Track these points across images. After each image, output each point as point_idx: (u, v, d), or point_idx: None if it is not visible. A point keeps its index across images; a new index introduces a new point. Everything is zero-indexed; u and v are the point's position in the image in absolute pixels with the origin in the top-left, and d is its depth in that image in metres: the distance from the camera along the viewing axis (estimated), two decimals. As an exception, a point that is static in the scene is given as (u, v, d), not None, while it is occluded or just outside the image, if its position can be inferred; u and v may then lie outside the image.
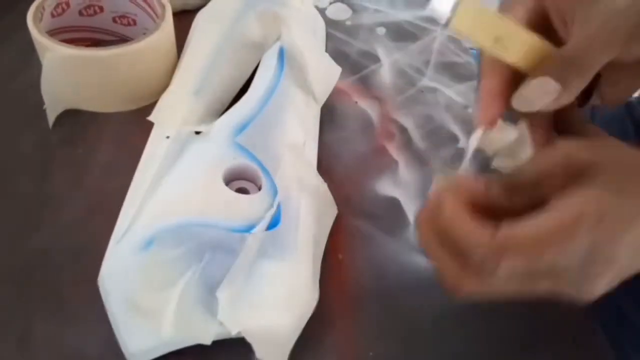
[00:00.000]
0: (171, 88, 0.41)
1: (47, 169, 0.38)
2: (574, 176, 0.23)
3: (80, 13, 0.44)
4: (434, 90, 0.48)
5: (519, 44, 0.27)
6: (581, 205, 0.22)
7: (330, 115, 0.44)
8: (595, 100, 0.31)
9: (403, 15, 0.55)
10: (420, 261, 0.35)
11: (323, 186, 0.37)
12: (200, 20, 0.46)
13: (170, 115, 0.39)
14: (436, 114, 0.46)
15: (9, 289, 0.31)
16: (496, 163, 0.30)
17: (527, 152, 0.30)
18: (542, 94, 0.27)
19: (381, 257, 0.35)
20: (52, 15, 0.42)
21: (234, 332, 0.28)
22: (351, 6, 0.56)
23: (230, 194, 0.33)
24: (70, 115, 0.41)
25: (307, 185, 0.36)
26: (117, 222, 0.34)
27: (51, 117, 0.39)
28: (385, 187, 0.40)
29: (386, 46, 0.52)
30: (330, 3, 0.56)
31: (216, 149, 0.36)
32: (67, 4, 0.43)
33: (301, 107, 0.41)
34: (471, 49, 0.55)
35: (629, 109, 0.50)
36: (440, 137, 0.44)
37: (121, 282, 0.30)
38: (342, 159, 0.41)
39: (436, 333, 0.32)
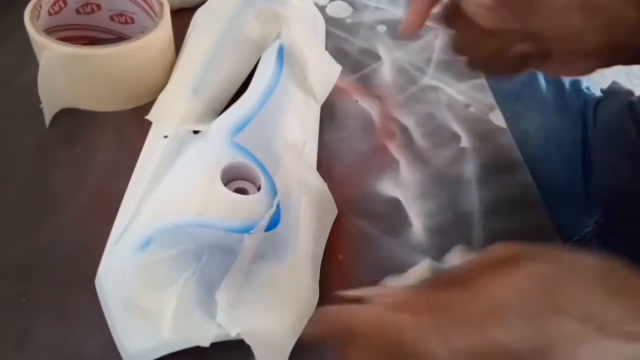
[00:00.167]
0: (169, 87, 0.41)
1: (45, 168, 0.37)
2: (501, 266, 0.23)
3: (78, 11, 0.44)
4: (435, 88, 0.47)
5: None
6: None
7: (330, 114, 0.44)
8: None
9: (404, 12, 0.55)
10: (421, 262, 0.35)
11: (323, 186, 0.37)
12: (198, 19, 0.46)
13: (168, 114, 0.39)
14: (437, 113, 0.45)
15: (8, 289, 0.31)
16: None
17: None
18: None
19: (381, 257, 0.35)
20: (50, 14, 0.42)
21: (233, 334, 0.28)
22: (351, 4, 0.55)
23: (229, 194, 0.33)
24: (67, 115, 0.40)
25: (307, 185, 0.36)
26: (115, 222, 0.34)
27: (48, 117, 0.39)
28: (386, 187, 0.39)
29: (387, 44, 0.51)
30: (331, 1, 0.55)
31: (214, 148, 0.35)
32: (65, 2, 0.42)
33: (301, 106, 0.41)
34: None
35: (630, 108, 0.50)
36: (441, 136, 0.43)
37: (119, 282, 0.30)
38: (342, 158, 0.41)
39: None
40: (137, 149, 0.37)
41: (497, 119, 0.45)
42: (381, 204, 0.38)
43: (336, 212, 0.37)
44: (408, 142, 0.43)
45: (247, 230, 0.31)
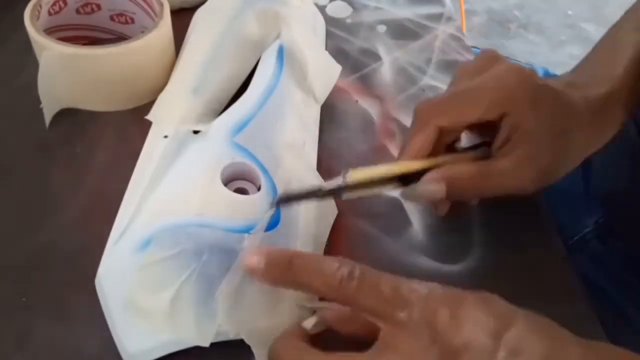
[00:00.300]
0: (169, 87, 0.41)
1: (45, 168, 0.37)
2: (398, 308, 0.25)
3: (78, 11, 0.44)
4: (435, 88, 0.47)
5: None
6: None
7: (330, 114, 0.44)
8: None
9: (404, 12, 0.55)
10: (421, 262, 0.35)
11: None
12: (198, 19, 0.46)
13: (168, 114, 0.39)
14: (437, 113, 0.45)
15: (8, 289, 0.31)
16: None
17: None
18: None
19: (382, 257, 0.35)
20: (50, 14, 0.42)
21: (232, 334, 0.28)
22: (351, 4, 0.55)
23: (228, 194, 0.33)
24: (67, 115, 0.40)
25: (307, 185, 0.36)
26: (115, 222, 0.34)
27: (48, 117, 0.39)
28: (386, 187, 0.39)
29: (387, 44, 0.51)
30: (331, 1, 0.55)
31: (215, 148, 0.35)
32: (65, 2, 0.43)
33: (301, 106, 0.41)
34: (473, 47, 0.54)
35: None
36: (441, 136, 0.43)
37: (119, 282, 0.30)
38: (342, 158, 0.41)
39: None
40: (137, 149, 0.37)
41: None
42: (381, 204, 0.38)
43: (336, 212, 0.37)
44: (408, 142, 0.43)
45: (247, 230, 0.31)
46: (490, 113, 0.32)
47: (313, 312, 0.29)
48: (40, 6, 0.40)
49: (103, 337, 0.29)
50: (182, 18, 0.46)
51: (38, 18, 0.39)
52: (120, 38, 0.46)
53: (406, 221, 0.37)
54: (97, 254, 0.32)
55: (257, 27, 0.43)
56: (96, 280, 0.31)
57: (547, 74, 0.62)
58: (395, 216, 0.38)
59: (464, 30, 0.75)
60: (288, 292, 0.30)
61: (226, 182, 0.34)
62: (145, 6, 0.43)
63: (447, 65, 0.50)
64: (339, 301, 0.26)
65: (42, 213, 0.35)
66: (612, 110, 0.35)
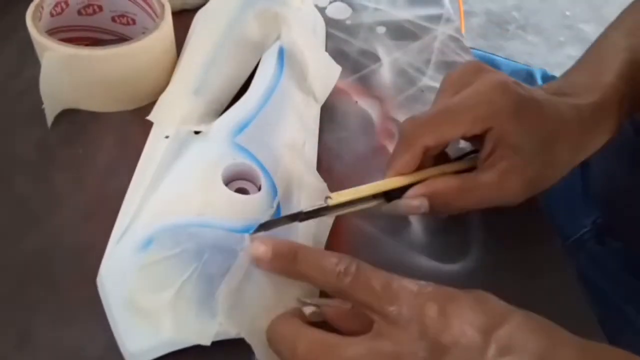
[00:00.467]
0: (170, 87, 0.41)
1: (47, 169, 0.37)
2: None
3: (79, 12, 0.44)
4: (434, 89, 0.47)
5: None
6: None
7: (330, 115, 0.44)
8: None
9: (403, 14, 0.55)
10: (421, 261, 0.35)
11: (323, 186, 0.37)
12: (199, 20, 0.46)
13: (169, 115, 0.39)
14: (436, 114, 0.45)
15: (8, 288, 0.31)
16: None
17: None
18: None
19: (381, 257, 0.35)
20: (51, 15, 0.42)
21: (233, 333, 0.28)
22: (351, 5, 0.55)
23: (229, 194, 0.33)
24: (69, 115, 0.40)
25: (307, 185, 0.36)
26: (116, 222, 0.34)
27: (50, 117, 0.39)
28: (386, 187, 0.39)
29: (386, 45, 0.51)
30: (330, 2, 0.55)
31: (215, 148, 0.36)
32: (66, 3, 0.43)
33: (301, 106, 0.41)
34: (472, 48, 0.55)
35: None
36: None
37: (120, 282, 0.30)
38: (342, 159, 0.41)
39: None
40: (139, 149, 0.38)
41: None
42: (381, 204, 0.38)
43: (336, 212, 0.37)
44: (407, 142, 0.43)
45: (247, 230, 0.31)
46: (475, 129, 0.32)
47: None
48: (42, 7, 0.40)
49: (103, 337, 0.29)
50: (183, 19, 0.46)
51: (40, 19, 0.39)
52: (122, 39, 0.46)
53: (406, 221, 0.38)
54: (98, 254, 0.32)
55: (258, 28, 0.44)
56: (98, 280, 0.31)
57: (546, 75, 0.62)
58: (396, 216, 0.38)
59: (463, 31, 0.75)
60: (288, 292, 0.30)
61: (227, 182, 0.34)
62: (147, 7, 0.44)
63: (446, 66, 0.50)
64: (336, 294, 0.27)
65: (43, 213, 0.35)
66: (604, 118, 0.35)
